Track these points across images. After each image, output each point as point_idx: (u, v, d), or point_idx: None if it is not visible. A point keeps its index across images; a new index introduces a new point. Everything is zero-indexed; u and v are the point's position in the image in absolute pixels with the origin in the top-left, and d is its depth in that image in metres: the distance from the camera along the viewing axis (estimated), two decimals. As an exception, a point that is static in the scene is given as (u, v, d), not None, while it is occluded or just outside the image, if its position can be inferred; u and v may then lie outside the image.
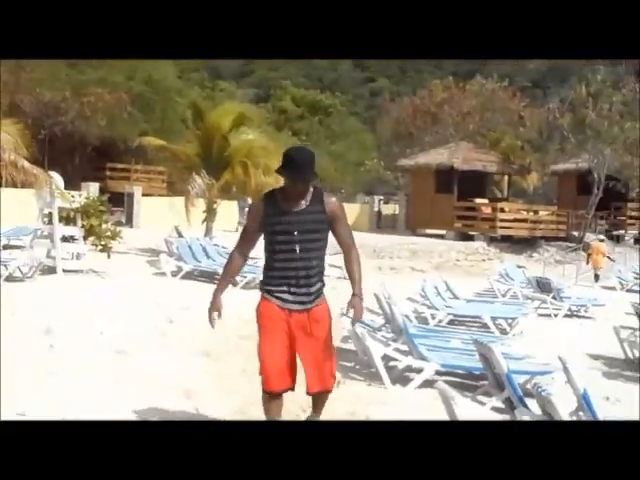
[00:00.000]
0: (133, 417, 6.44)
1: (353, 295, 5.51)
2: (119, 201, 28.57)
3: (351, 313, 5.67)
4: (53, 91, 30.60)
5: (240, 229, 6.75)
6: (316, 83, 71.71)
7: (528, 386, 7.65)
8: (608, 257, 28.04)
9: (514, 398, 6.79)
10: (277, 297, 5.46)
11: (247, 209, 6.21)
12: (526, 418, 6.08)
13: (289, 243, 5.35)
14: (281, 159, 5.41)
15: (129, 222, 28.83)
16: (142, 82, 34.29)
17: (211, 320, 5.55)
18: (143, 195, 30.98)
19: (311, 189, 5.39)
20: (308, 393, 5.61)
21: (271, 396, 5.49)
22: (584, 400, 5.93)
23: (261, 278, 5.81)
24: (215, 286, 5.84)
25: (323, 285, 5.59)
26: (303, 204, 5.38)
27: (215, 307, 5.60)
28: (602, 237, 31.42)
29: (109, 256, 17.21)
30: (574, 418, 5.77)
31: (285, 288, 5.41)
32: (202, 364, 8.85)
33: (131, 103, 32.90)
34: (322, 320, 5.49)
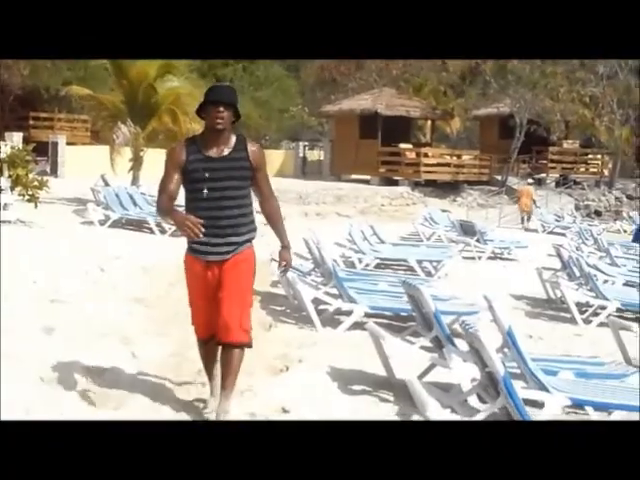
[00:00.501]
0: (67, 359, 6.46)
1: (283, 247, 5.41)
2: (43, 151, 27.85)
3: (281, 264, 5.49)
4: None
5: None
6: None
7: (455, 325, 7.81)
8: (533, 202, 28.65)
9: (442, 337, 6.95)
10: (194, 249, 5.23)
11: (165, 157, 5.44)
12: (454, 356, 6.25)
13: (211, 190, 5.06)
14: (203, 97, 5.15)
15: (54, 172, 28.30)
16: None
17: (193, 224, 4.85)
18: (67, 144, 30.43)
19: (233, 136, 5.15)
20: (218, 343, 5.31)
21: (203, 343, 5.48)
22: (509, 337, 6.10)
23: None
24: (170, 216, 5.40)
25: (252, 236, 5.33)
26: (226, 150, 5.14)
27: (180, 217, 5.03)
28: (530, 181, 32.13)
29: (36, 206, 16.91)
30: (500, 355, 5.93)
31: (204, 239, 5.01)
32: (135, 310, 8.87)
33: (54, 49, 32.17)
34: (240, 267, 5.22)
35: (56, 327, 7.62)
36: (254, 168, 5.21)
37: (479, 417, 5.37)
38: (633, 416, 5.58)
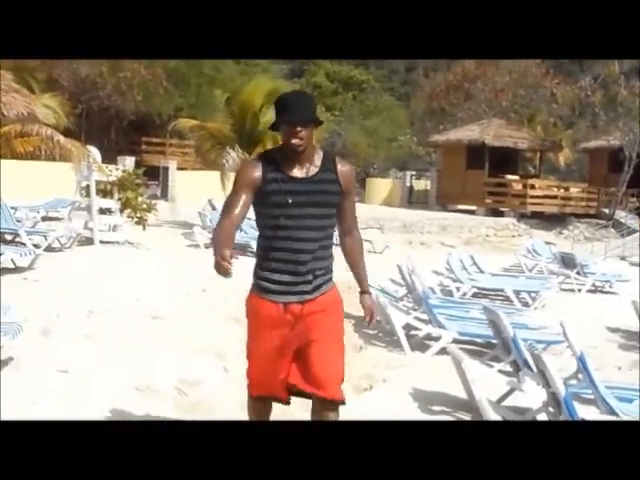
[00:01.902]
0: (171, 376, 6.91)
1: (363, 293, 4.55)
2: (154, 174, 28.76)
3: (366, 316, 4.55)
4: (90, 66, 30.85)
5: None
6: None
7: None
8: None
9: (519, 360, 7.13)
10: (267, 289, 4.29)
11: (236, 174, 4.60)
12: (527, 379, 6.43)
13: (293, 218, 4.15)
14: (275, 110, 4.27)
15: (164, 195, 29.07)
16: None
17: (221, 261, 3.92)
18: (178, 169, 31.12)
19: (320, 152, 4.30)
20: (318, 398, 4.36)
21: (256, 400, 4.63)
22: (580, 362, 6.25)
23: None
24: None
25: (331, 277, 4.43)
26: (312, 170, 4.23)
27: (225, 256, 3.92)
28: None
29: (144, 228, 17.50)
30: (573, 381, 6.08)
31: (282, 277, 4.24)
32: (231, 328, 9.13)
33: (166, 78, 33.04)
34: (331, 310, 4.34)
35: (156, 341, 8.04)
36: (343, 192, 4.31)
37: None
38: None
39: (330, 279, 4.41)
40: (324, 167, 4.26)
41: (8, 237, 13.72)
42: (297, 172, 4.22)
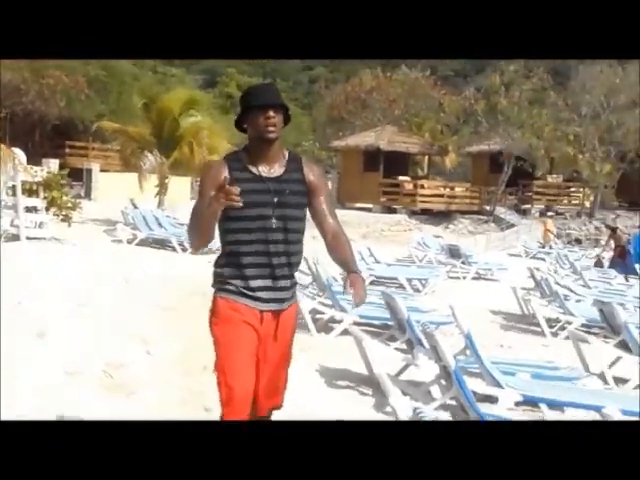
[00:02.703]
0: (99, 359, 6.72)
1: (352, 272, 3.65)
2: (78, 176, 28.31)
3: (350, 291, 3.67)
4: (13, 72, 30.04)
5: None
6: (259, 70, 71.49)
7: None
8: (551, 232, 29.24)
9: (413, 339, 7.21)
10: (246, 295, 3.64)
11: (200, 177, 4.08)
12: (421, 355, 6.49)
13: (265, 219, 3.59)
14: (240, 103, 3.75)
15: (88, 195, 28.60)
16: (98, 66, 33.87)
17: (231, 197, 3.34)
18: (101, 171, 30.70)
19: (286, 153, 3.77)
20: (270, 407, 3.87)
21: (234, 412, 3.70)
22: (468, 340, 6.33)
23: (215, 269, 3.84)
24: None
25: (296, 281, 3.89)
26: (279, 169, 3.68)
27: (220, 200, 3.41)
28: (551, 213, 32.65)
29: (69, 225, 17.27)
30: (462, 357, 6.15)
31: (260, 282, 3.63)
32: (153, 315, 9.11)
33: (88, 86, 32.59)
34: (291, 323, 3.81)
35: (82, 326, 7.90)
36: (312, 192, 3.74)
37: (435, 404, 5.57)
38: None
39: (296, 284, 3.85)
40: (290, 167, 3.72)
41: None
42: (264, 171, 3.66)
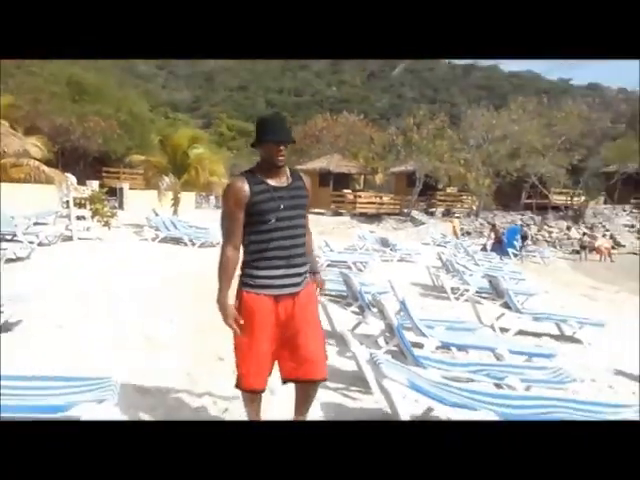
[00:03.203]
0: (140, 328, 6.56)
1: (317, 273, 3.69)
2: (113, 193, 27.89)
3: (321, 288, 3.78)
4: (63, 118, 29.56)
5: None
6: (242, 115, 71.31)
7: (371, 297, 8.10)
8: (455, 230, 29.80)
9: (363, 304, 7.25)
10: (265, 285, 3.33)
11: (223, 196, 3.59)
12: (370, 316, 6.51)
13: (281, 220, 3.35)
14: (257, 129, 3.41)
15: (120, 207, 28.09)
16: (126, 113, 33.51)
17: (233, 324, 3.34)
18: (130, 189, 30.21)
19: (287, 167, 3.48)
20: (314, 381, 3.47)
21: (253, 394, 3.54)
22: (402, 304, 6.35)
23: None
24: (218, 294, 3.36)
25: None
26: (286, 180, 3.44)
27: (230, 313, 3.34)
28: (458, 215, 32.98)
29: (109, 229, 17.04)
30: (397, 317, 6.15)
31: (275, 272, 3.34)
32: (177, 292, 8.90)
33: (119, 127, 32.18)
34: (312, 299, 3.52)
35: (116, 306, 7.69)
36: (307, 197, 3.54)
37: (383, 350, 5.54)
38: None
39: (308, 271, 3.53)
40: (294, 178, 3.48)
41: (8, 237, 12.97)
42: (278, 182, 3.39)
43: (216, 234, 18.85)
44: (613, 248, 28.10)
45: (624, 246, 31.23)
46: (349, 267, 13.99)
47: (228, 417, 4.28)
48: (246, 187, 3.30)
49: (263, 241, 3.34)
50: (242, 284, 3.40)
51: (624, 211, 35.40)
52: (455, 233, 29.37)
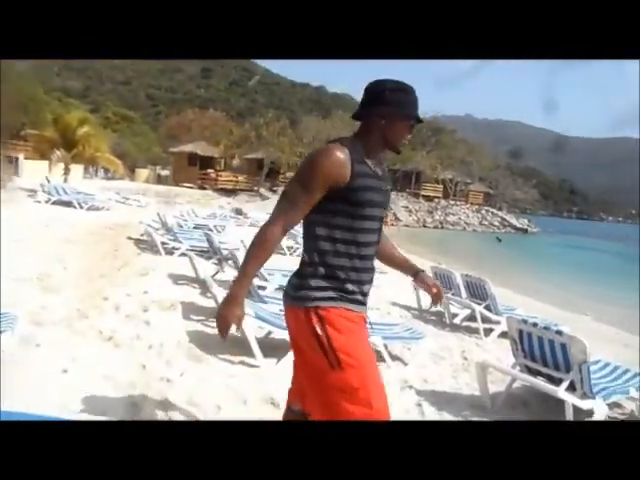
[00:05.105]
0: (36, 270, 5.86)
1: (418, 273, 2.25)
2: (10, 162, 24.06)
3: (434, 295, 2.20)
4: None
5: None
6: (125, 105, 66.06)
7: (227, 252, 7.96)
8: None
9: (222, 257, 7.13)
10: (358, 301, 1.84)
11: (311, 162, 1.65)
12: (226, 265, 6.43)
13: (380, 220, 1.89)
14: (388, 97, 1.78)
15: (17, 173, 24.70)
16: (20, 92, 29.15)
17: (225, 331, 1.78)
18: (25, 158, 26.44)
19: None
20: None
21: None
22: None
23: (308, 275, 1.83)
24: (237, 282, 1.81)
25: None
26: (383, 171, 1.90)
27: (238, 314, 1.77)
28: None
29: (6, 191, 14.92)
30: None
31: (364, 287, 1.86)
32: (66, 245, 8.04)
33: (16, 106, 27.88)
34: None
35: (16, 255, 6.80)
36: None
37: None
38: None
39: None
40: (384, 166, 1.95)
41: None
42: (377, 169, 1.87)
43: (102, 199, 17.35)
44: (394, 222, 30.78)
45: (401, 220, 34.50)
46: (210, 229, 13.66)
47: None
48: (348, 163, 1.76)
49: (360, 244, 1.82)
50: (323, 298, 1.78)
51: (402, 197, 38.89)
52: None
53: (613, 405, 3.67)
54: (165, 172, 40.22)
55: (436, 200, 40.13)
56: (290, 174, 39.65)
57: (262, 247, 1.75)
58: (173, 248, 9.00)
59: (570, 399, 3.17)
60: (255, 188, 36.06)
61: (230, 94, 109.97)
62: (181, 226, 13.08)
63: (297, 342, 1.84)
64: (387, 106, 1.78)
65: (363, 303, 1.85)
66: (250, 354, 3.89)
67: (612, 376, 3.84)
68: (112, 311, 4.81)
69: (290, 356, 3.84)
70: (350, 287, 1.79)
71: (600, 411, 3.25)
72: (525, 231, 38.04)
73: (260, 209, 27.76)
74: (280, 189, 37.35)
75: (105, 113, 54.04)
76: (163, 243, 9.05)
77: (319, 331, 1.72)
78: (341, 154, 1.75)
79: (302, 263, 1.85)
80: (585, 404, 3.23)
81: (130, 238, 10.23)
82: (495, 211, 41.06)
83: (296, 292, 1.81)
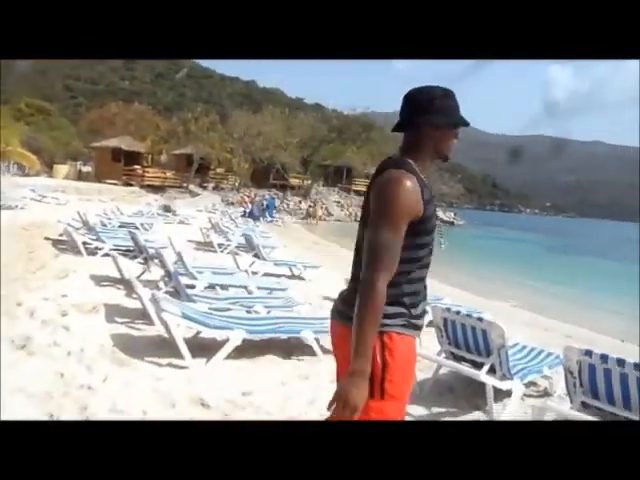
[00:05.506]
0: None
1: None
2: None
3: None
4: None
5: None
6: (40, 95, 61.29)
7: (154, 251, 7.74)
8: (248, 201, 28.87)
9: (148, 257, 6.89)
10: (416, 325, 1.67)
11: (387, 199, 1.47)
12: (153, 264, 6.20)
13: (431, 243, 1.69)
14: (434, 105, 1.63)
15: None
16: None
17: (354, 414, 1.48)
18: None
19: None
20: None
21: None
22: (179, 256, 6.16)
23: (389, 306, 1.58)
24: (360, 355, 1.48)
25: None
26: (429, 183, 1.71)
27: (365, 394, 1.48)
28: (241, 191, 32.38)
29: None
30: (174, 266, 5.92)
31: (423, 310, 1.71)
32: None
33: None
34: None
35: None
36: None
37: (163, 291, 5.24)
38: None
39: None
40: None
41: None
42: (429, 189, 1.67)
43: (15, 197, 16.02)
44: (326, 216, 31.05)
45: (333, 215, 34.89)
46: (137, 228, 13.11)
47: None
48: (420, 194, 1.59)
49: (423, 266, 1.68)
50: (389, 324, 1.62)
51: (334, 192, 39.41)
52: (243, 204, 28.97)
53: (529, 384, 3.84)
54: (87, 168, 37.94)
55: (366, 195, 41.04)
56: (220, 170, 39.00)
57: (376, 312, 1.50)
58: (96, 248, 8.55)
59: (490, 381, 3.34)
60: (184, 184, 34.93)
61: (156, 87, 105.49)
62: (105, 225, 12.48)
63: (343, 364, 1.62)
64: (439, 115, 1.64)
65: (421, 327, 1.72)
66: (178, 355, 3.76)
67: (528, 357, 4.02)
68: (26, 317, 4.46)
69: (221, 355, 3.78)
70: (413, 312, 1.66)
71: (517, 391, 3.45)
72: (452, 224, 39.86)
73: (190, 206, 27.11)
74: (210, 185, 36.59)
75: (17, 104, 49.99)
76: (84, 243, 8.55)
77: (377, 358, 1.56)
78: (412, 184, 1.56)
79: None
80: (504, 385, 3.40)
81: (48, 239, 9.56)
82: (422, 205, 42.68)
83: None
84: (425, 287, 1.71)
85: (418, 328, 1.68)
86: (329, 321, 1.73)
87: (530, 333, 5.72)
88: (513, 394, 3.44)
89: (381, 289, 1.49)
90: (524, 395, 3.63)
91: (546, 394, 3.96)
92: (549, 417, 3.17)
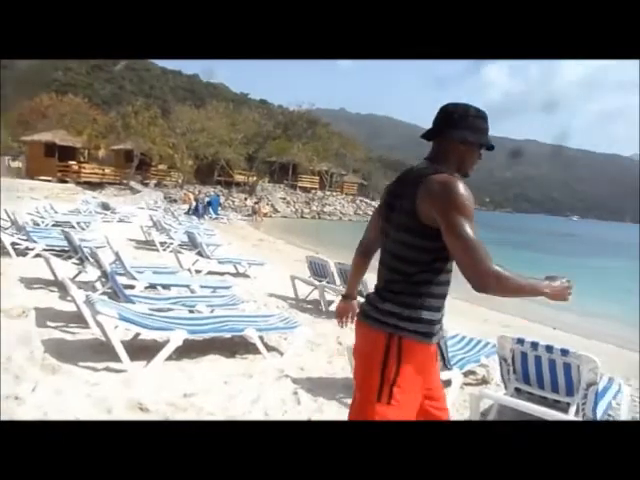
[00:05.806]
0: None
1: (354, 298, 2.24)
2: None
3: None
4: None
5: None
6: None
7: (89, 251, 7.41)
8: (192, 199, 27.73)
9: (83, 257, 6.57)
10: (433, 332, 1.71)
11: (453, 197, 1.51)
12: (90, 265, 5.93)
13: None
14: (473, 124, 1.70)
15: None
16: None
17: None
18: None
19: None
20: None
21: None
22: (117, 255, 5.94)
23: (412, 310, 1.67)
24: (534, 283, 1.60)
25: None
26: None
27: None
28: (187, 187, 31.13)
29: None
30: (112, 266, 5.70)
31: (441, 316, 1.75)
32: None
33: None
34: None
35: None
36: None
37: (99, 292, 5.08)
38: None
39: None
40: None
41: None
42: None
43: None
44: (272, 213, 30.87)
45: (279, 211, 34.75)
46: (73, 227, 12.48)
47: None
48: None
49: (447, 271, 1.71)
50: (410, 330, 1.65)
51: (280, 188, 39.23)
52: (188, 200, 27.97)
53: (468, 373, 3.97)
54: (16, 164, 35.59)
55: (313, 191, 41.17)
56: (162, 166, 37.82)
57: (514, 288, 1.53)
58: (26, 249, 8.05)
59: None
60: (124, 181, 33.59)
61: (93, 79, 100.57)
62: (37, 224, 11.83)
63: (361, 364, 1.70)
64: (470, 132, 1.69)
65: (439, 335, 1.76)
66: (116, 359, 3.61)
67: (467, 348, 4.15)
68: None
69: (161, 356, 3.67)
70: (436, 316, 1.69)
71: (457, 380, 3.55)
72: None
73: (130, 203, 26.11)
74: (152, 182, 35.40)
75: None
76: (13, 244, 8.02)
77: (393, 361, 1.60)
78: (464, 185, 1.59)
79: (393, 290, 1.67)
80: (444, 375, 3.53)
81: (-30, 239, 8.90)
82: (369, 201, 43.42)
83: (385, 318, 1.65)
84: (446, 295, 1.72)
85: (437, 336, 1.71)
86: (358, 323, 1.74)
87: (470, 324, 5.91)
88: (452, 383, 3.51)
89: (495, 273, 1.50)
90: (463, 384, 3.73)
91: (484, 382, 4.12)
92: (486, 404, 3.33)
